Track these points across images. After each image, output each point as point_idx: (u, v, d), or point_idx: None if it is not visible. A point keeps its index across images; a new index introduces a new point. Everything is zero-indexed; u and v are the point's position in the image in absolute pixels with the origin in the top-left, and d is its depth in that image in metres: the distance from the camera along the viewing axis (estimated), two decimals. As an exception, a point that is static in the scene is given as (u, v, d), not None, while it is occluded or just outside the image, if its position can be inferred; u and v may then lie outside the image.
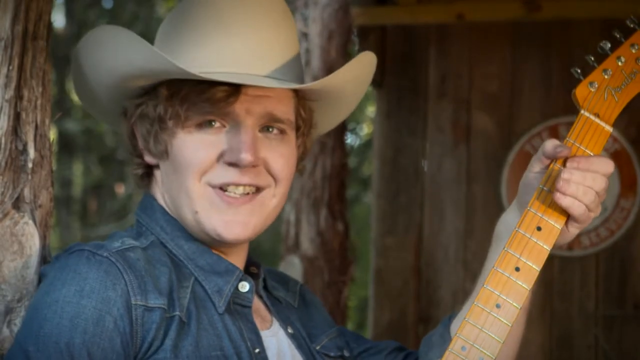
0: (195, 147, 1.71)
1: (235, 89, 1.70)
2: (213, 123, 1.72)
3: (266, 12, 1.75)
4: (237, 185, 1.72)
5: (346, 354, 1.91)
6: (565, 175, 1.63)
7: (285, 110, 1.76)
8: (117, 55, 1.69)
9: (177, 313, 1.65)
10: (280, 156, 1.75)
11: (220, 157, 1.72)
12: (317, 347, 1.86)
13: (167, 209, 1.79)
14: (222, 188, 1.72)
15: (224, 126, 1.72)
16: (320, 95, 1.82)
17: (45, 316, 1.58)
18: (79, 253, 1.65)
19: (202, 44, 1.71)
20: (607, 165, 1.66)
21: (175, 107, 1.72)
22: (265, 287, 1.87)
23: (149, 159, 1.79)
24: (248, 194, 1.73)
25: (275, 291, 1.89)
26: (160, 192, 1.80)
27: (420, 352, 1.90)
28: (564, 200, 1.64)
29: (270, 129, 1.75)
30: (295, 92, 1.79)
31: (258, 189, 1.74)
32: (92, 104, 1.87)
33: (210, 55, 1.70)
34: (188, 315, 1.67)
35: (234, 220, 1.72)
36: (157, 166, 1.79)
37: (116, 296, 1.60)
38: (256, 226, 1.75)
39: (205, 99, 1.70)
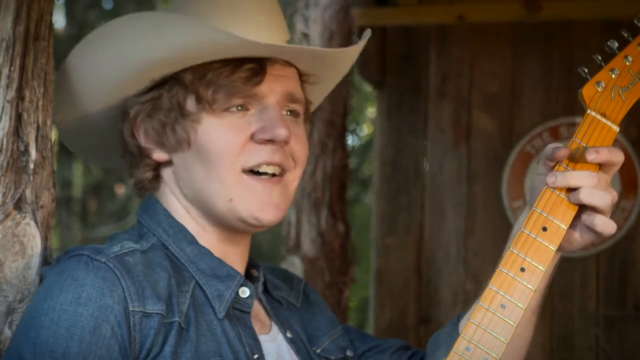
0: (224, 131, 1.71)
1: (261, 68, 1.72)
2: (238, 108, 1.72)
3: None
4: (268, 164, 1.72)
5: (349, 353, 1.89)
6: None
7: (299, 91, 1.79)
8: (157, 37, 1.69)
9: (177, 319, 1.63)
10: (298, 138, 1.77)
11: (250, 138, 1.72)
12: (318, 350, 1.85)
13: (176, 209, 1.77)
14: (253, 171, 1.72)
15: (248, 109, 1.73)
16: (316, 78, 1.85)
17: (43, 324, 1.57)
18: (78, 258, 1.63)
19: (227, 20, 1.73)
20: (620, 156, 1.67)
21: (200, 92, 1.71)
22: (266, 290, 1.86)
23: (159, 155, 1.77)
24: (275, 175, 1.74)
25: (277, 291, 1.88)
26: (174, 190, 1.77)
27: (427, 350, 1.89)
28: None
29: (287, 112, 1.77)
30: (300, 75, 1.81)
31: (282, 172, 1.74)
32: (74, 124, 1.84)
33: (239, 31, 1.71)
34: (187, 321, 1.65)
35: (269, 202, 1.72)
36: (167, 163, 1.77)
37: (113, 303, 1.59)
38: (284, 209, 1.75)
39: (235, 79, 1.71)
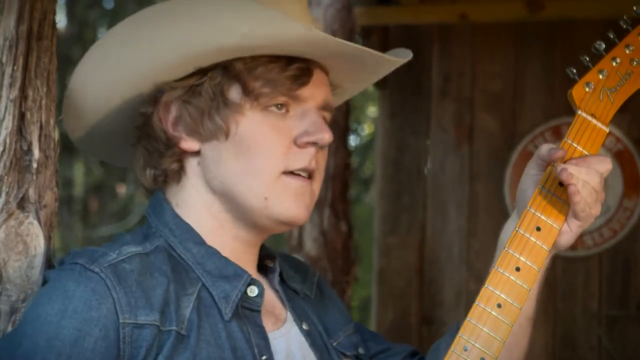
0: (268, 130, 1.69)
1: (308, 70, 1.71)
2: (279, 107, 1.70)
3: None
4: (305, 170, 1.71)
5: (361, 351, 1.87)
6: (562, 169, 1.65)
7: (332, 100, 1.78)
8: (223, 23, 1.64)
9: (174, 328, 1.60)
10: (325, 149, 1.76)
11: (293, 141, 1.70)
12: (335, 344, 1.82)
13: (193, 204, 1.73)
14: (292, 172, 1.71)
15: (288, 111, 1.71)
16: (340, 90, 1.86)
17: (26, 332, 1.56)
18: (73, 267, 1.61)
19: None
20: (604, 163, 1.68)
21: (248, 83, 1.68)
22: (282, 280, 1.83)
23: (189, 144, 1.71)
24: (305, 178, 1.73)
25: (292, 281, 1.85)
26: (196, 183, 1.73)
27: (427, 359, 1.88)
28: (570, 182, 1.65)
29: None
30: None
31: (310, 177, 1.73)
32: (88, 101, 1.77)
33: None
34: (189, 327, 1.62)
35: (303, 202, 1.71)
36: (194, 154, 1.72)
37: (100, 316, 1.56)
38: (310, 212, 1.75)
39: (284, 76, 1.69)
